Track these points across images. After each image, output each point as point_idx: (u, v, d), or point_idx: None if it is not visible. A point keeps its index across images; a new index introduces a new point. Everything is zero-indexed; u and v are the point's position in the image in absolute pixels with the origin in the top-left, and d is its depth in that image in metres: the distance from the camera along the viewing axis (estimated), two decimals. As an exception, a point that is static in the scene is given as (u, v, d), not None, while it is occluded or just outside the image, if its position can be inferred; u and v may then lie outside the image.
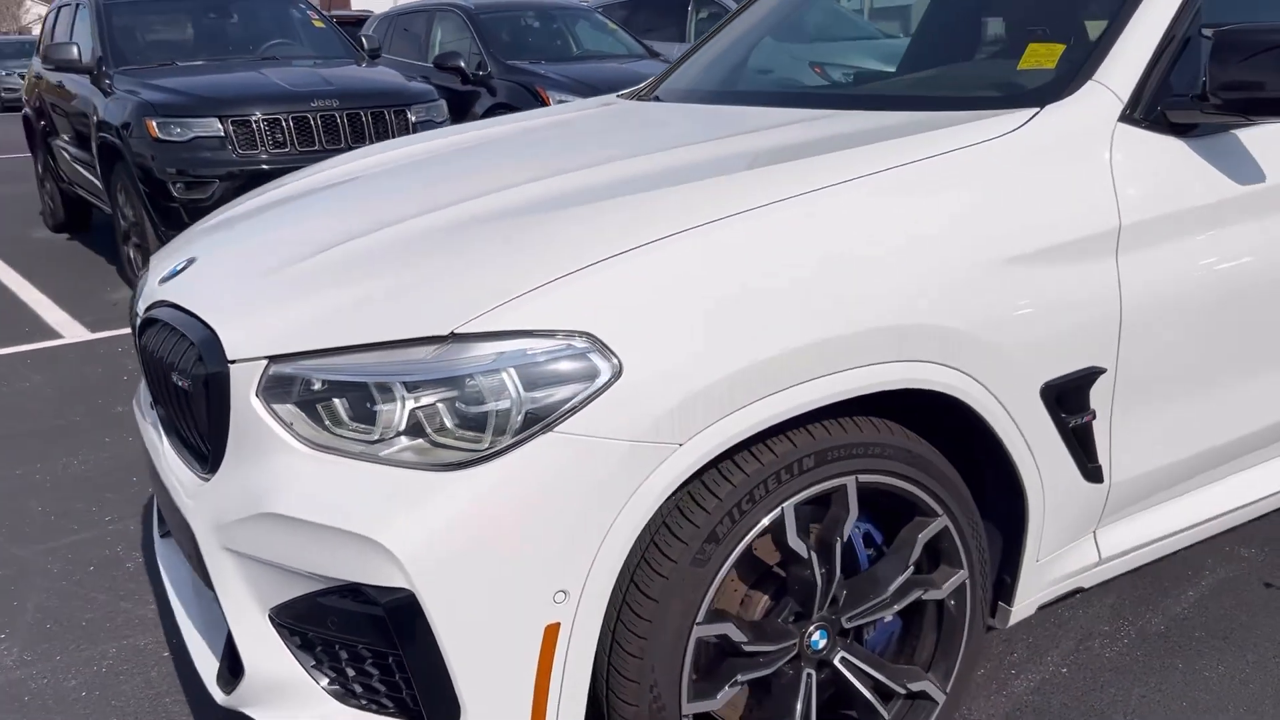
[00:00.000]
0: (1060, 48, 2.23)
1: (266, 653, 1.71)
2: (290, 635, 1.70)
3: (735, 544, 1.67)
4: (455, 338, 1.55)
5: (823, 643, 1.86)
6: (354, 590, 1.57)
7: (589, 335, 1.55)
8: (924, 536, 1.89)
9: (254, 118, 6.17)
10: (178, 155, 6.07)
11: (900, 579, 1.89)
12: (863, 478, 1.78)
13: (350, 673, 1.68)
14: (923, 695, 1.98)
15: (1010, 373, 1.87)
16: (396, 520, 1.51)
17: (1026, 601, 2.11)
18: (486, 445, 1.53)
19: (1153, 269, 2.03)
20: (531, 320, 1.55)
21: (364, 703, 1.69)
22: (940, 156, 1.88)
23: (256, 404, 1.65)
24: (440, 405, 1.54)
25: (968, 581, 1.96)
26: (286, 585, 1.65)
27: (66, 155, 7.78)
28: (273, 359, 1.65)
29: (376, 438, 1.58)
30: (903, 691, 1.95)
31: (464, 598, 1.52)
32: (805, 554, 1.76)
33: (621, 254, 1.61)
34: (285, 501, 1.60)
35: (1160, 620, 2.58)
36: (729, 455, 1.69)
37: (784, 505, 1.71)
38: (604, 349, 1.54)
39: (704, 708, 1.73)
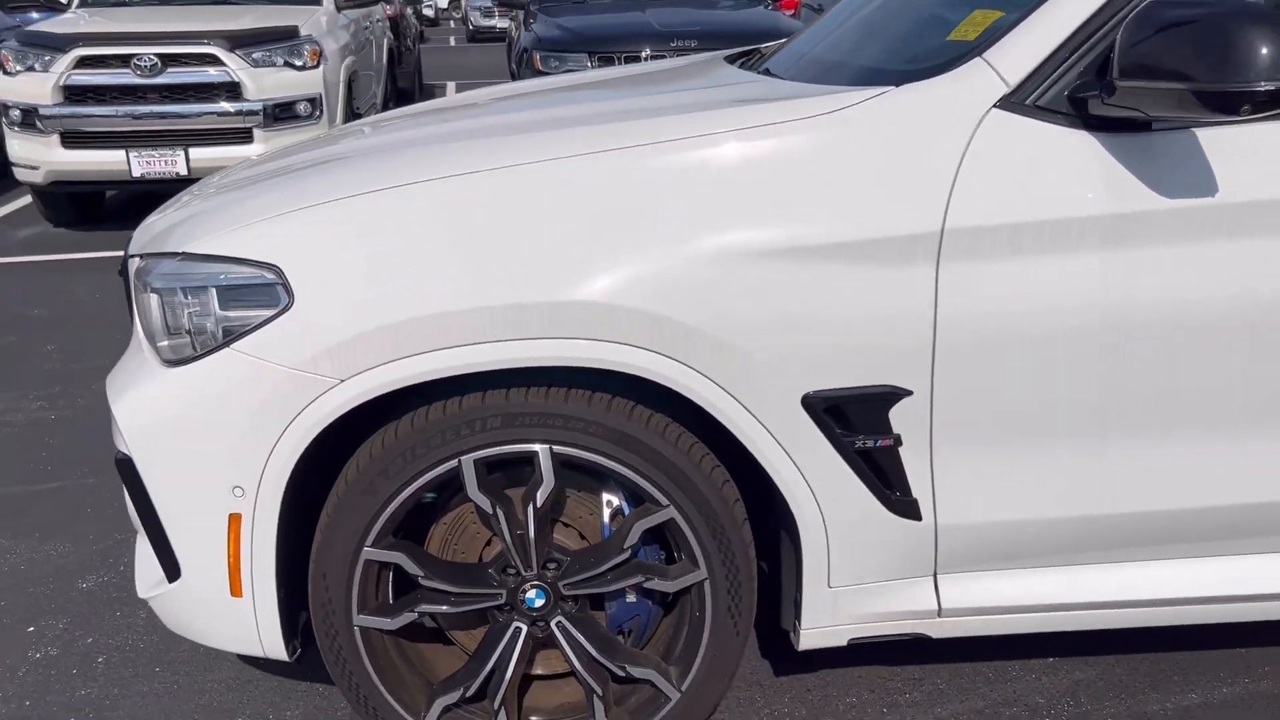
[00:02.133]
0: (996, 16, 1.90)
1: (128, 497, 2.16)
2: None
3: (406, 481, 1.79)
4: (185, 256, 1.84)
5: (539, 602, 1.90)
6: (124, 454, 1.94)
7: (276, 268, 1.75)
8: (643, 524, 1.83)
9: (615, 54, 6.70)
10: (553, 86, 6.79)
11: (613, 560, 1.86)
12: (558, 448, 1.78)
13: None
14: (649, 684, 1.93)
15: (756, 375, 1.73)
16: (125, 397, 1.86)
17: (822, 627, 1.93)
18: (194, 350, 1.81)
19: (995, 285, 1.72)
20: (236, 250, 1.78)
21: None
22: (713, 136, 1.76)
23: (135, 292, 2.07)
24: (182, 311, 1.85)
25: (707, 583, 1.86)
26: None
27: (514, 81, 8.96)
28: (141, 257, 2.05)
29: (170, 331, 1.92)
30: (620, 673, 1.92)
31: (165, 473, 1.83)
32: (489, 509, 1.82)
33: (327, 203, 1.78)
34: (112, 374, 2.01)
35: (1118, 713, 2.15)
36: (420, 400, 1.80)
37: (462, 459, 1.78)
38: (286, 283, 1.74)
39: (378, 624, 1.88)
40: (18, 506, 3.16)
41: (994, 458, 1.82)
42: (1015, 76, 1.74)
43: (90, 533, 3.00)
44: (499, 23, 28.52)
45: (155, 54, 6.29)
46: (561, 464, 1.81)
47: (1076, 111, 1.73)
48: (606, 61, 6.70)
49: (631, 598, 1.97)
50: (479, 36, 28.35)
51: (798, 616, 1.94)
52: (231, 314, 1.78)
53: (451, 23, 41.52)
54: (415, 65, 13.33)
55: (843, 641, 1.96)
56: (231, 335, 1.77)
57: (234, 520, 1.83)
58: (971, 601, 1.93)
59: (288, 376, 1.73)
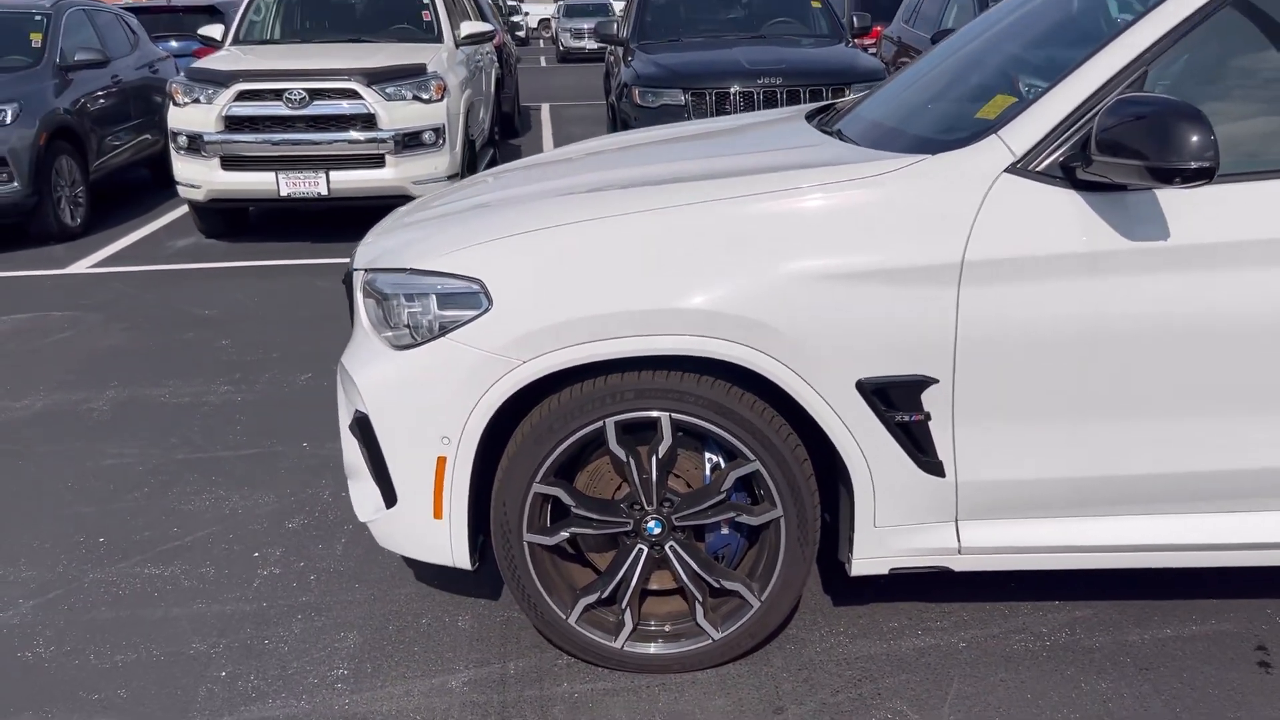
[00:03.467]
0: (1011, 100, 2.52)
1: (349, 450, 2.87)
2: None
3: (565, 435, 2.47)
4: (411, 271, 2.55)
5: (657, 530, 2.57)
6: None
7: (480, 281, 2.45)
8: (735, 474, 2.49)
9: (707, 90, 7.38)
10: (650, 120, 7.49)
11: (712, 500, 2.52)
12: (675, 415, 2.45)
13: (378, 468, 2.79)
14: (736, 594, 2.58)
15: (822, 365, 2.38)
16: (366, 371, 2.58)
17: (870, 557, 2.56)
18: (418, 339, 2.52)
19: (1002, 303, 2.34)
20: (451, 266, 2.49)
21: (383, 488, 2.79)
22: (795, 190, 2.41)
23: (359, 296, 2.79)
24: (405, 311, 2.56)
25: (781, 519, 2.51)
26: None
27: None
28: (365, 270, 2.77)
29: (389, 325, 2.63)
30: (715, 585, 2.58)
31: (392, 425, 2.54)
32: (624, 458, 2.49)
33: (515, 235, 2.48)
34: (348, 354, 2.74)
35: (1105, 642, 2.73)
36: (577, 378, 2.48)
37: (605, 420, 2.46)
38: (486, 291, 2.44)
39: (541, 540, 2.56)
40: (227, 467, 3.94)
41: (1000, 431, 2.43)
42: (1020, 149, 2.36)
43: (287, 487, 3.76)
44: (588, 44, 29.41)
45: (304, 89, 7.16)
46: (676, 428, 2.48)
47: (1067, 176, 2.35)
48: (699, 97, 7.39)
49: (725, 531, 2.62)
50: (570, 57, 29.20)
51: (851, 549, 2.57)
52: (446, 313, 2.49)
53: (541, 42, 42.76)
54: (515, 89, 14.20)
55: (885, 570, 2.59)
56: (446, 329, 2.47)
57: (440, 461, 2.53)
58: (985, 542, 2.54)
59: (487, 358, 2.43)
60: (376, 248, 2.82)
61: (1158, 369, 2.36)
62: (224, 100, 7.17)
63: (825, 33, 8.71)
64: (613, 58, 9.80)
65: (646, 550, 2.59)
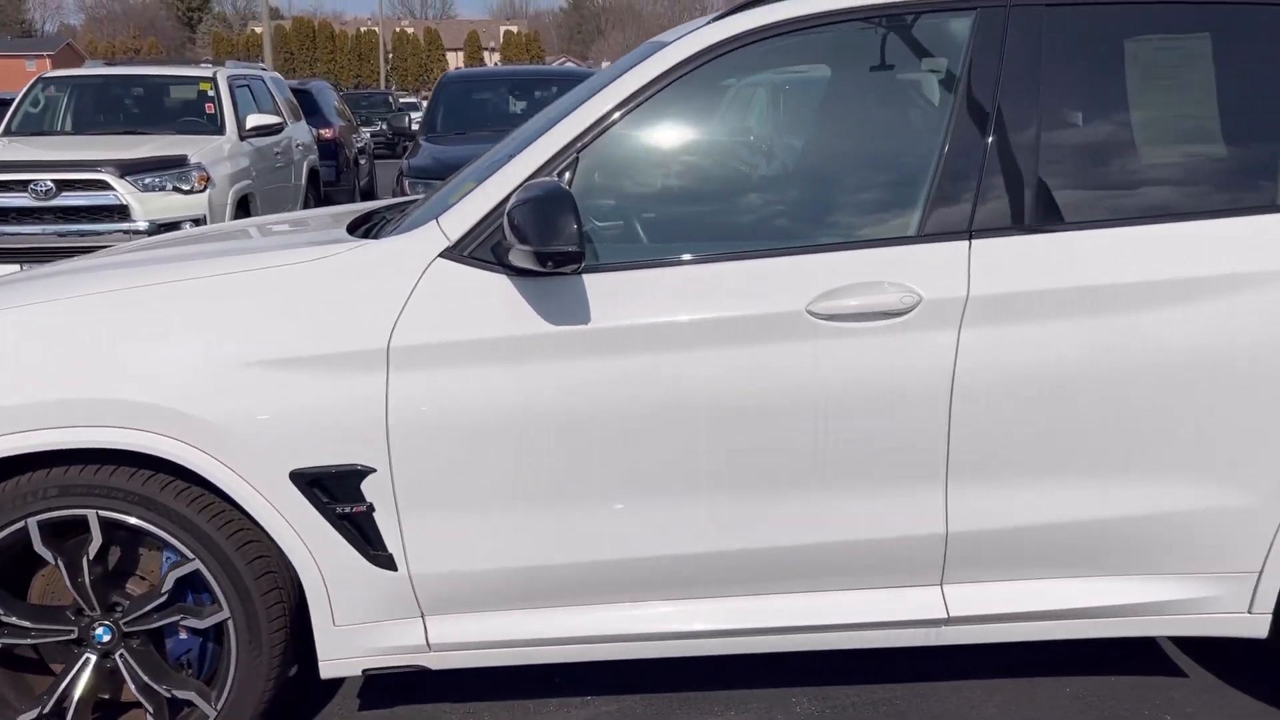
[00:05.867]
0: (473, 187, 2.48)
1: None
2: None
3: (-17, 537, 2.32)
4: None
5: (107, 637, 2.40)
6: None
7: (-109, 374, 2.31)
8: (176, 574, 2.34)
9: (472, 181, 7.40)
10: (419, 208, 7.46)
11: (156, 602, 2.37)
12: (103, 513, 2.31)
13: None
14: (189, 704, 2.42)
15: (253, 456, 2.26)
16: None
17: (336, 659, 2.41)
18: None
19: (431, 389, 2.26)
20: None
21: None
22: (228, 274, 2.34)
23: None
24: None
25: (230, 621, 2.36)
26: None
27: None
28: None
29: None
30: (166, 695, 2.41)
31: None
32: (52, 560, 2.34)
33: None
34: None
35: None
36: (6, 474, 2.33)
37: (28, 520, 2.31)
38: (-102, 387, 2.30)
39: (-32, 655, 2.39)
40: None
41: (447, 521, 2.33)
42: (455, 235, 2.32)
43: None
44: (476, 139, 29.81)
45: (52, 180, 7.00)
46: (114, 527, 2.34)
47: (500, 261, 2.30)
48: (466, 187, 7.39)
49: (184, 635, 2.47)
50: (457, 152, 29.57)
51: (317, 650, 2.43)
52: None
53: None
54: (357, 181, 14.17)
55: (358, 671, 2.45)
56: None
57: None
58: (455, 638, 2.42)
59: (-111, 455, 2.27)
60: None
61: (594, 455, 2.30)
62: (-36, 191, 6.97)
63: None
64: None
65: (95, 659, 2.42)
